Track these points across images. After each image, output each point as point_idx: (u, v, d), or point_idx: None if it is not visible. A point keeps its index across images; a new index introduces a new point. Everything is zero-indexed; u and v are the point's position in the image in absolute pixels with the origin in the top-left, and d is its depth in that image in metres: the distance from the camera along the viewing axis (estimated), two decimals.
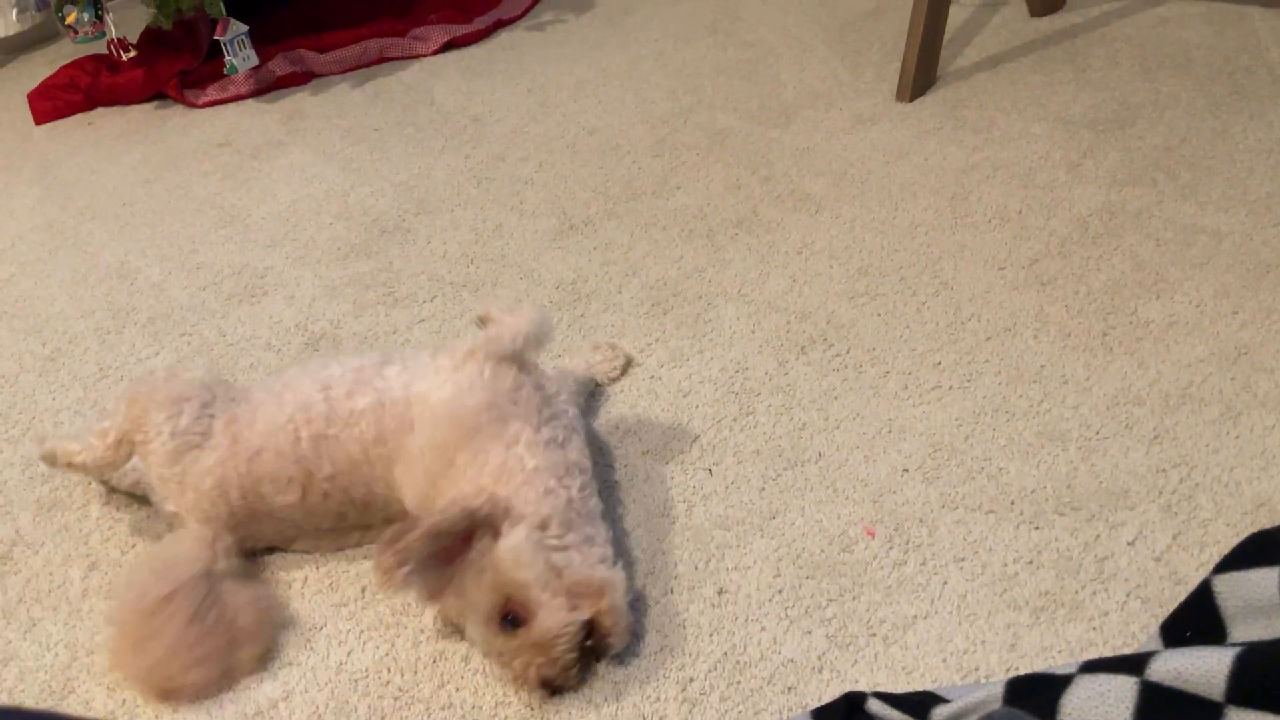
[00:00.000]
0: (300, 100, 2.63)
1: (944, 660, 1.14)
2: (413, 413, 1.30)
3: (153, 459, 1.35)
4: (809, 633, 1.19)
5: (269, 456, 1.32)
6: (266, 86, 2.70)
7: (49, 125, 2.77)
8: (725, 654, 1.18)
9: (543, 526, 1.19)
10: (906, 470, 1.36)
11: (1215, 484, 1.27)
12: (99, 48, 3.03)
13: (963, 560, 1.24)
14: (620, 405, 1.54)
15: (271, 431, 1.32)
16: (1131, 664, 0.93)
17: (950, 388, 1.47)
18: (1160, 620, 1.08)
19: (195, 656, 1.22)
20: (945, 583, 1.21)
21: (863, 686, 1.12)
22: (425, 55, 2.75)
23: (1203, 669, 0.89)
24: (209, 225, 2.16)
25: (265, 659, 1.25)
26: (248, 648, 1.25)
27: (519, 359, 1.32)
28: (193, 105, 2.69)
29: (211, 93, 2.70)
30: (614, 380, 1.58)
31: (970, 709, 0.99)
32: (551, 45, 2.70)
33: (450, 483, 1.25)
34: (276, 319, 1.84)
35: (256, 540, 1.38)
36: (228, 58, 2.62)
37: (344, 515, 1.34)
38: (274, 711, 1.19)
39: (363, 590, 1.32)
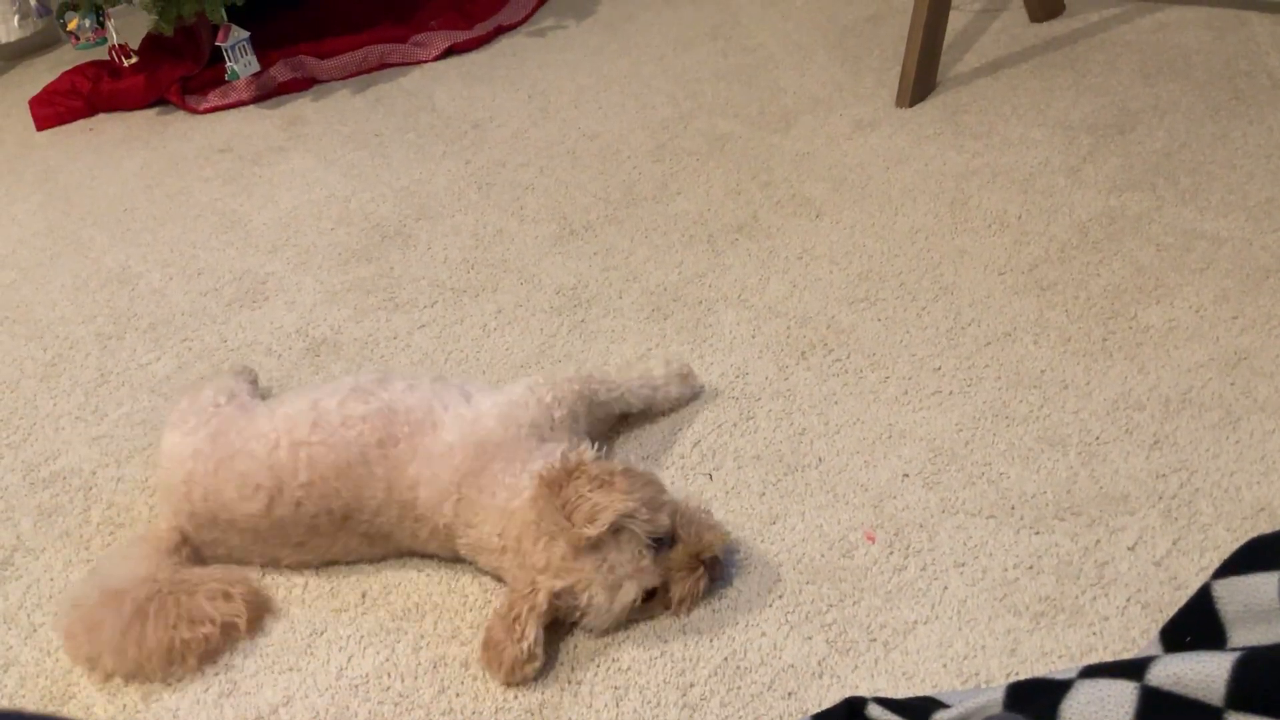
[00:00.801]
0: (301, 106, 2.64)
1: (944, 665, 1.14)
2: (436, 416, 1.31)
3: None
4: (809, 638, 1.19)
5: (240, 461, 1.31)
6: (268, 92, 2.70)
7: (50, 131, 2.77)
8: (725, 659, 1.18)
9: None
10: (907, 475, 1.36)
11: (1215, 489, 1.27)
12: (100, 54, 3.04)
13: (963, 565, 1.24)
14: None
15: (252, 437, 1.32)
16: (1131, 669, 0.93)
17: (950, 393, 1.47)
18: (1160, 625, 1.08)
19: (142, 646, 1.23)
20: (945, 588, 1.21)
21: (863, 692, 1.12)
22: (426, 61, 2.76)
23: (1202, 674, 0.89)
24: (210, 231, 2.16)
25: (211, 656, 1.26)
26: (193, 644, 1.25)
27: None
28: (194, 111, 2.70)
29: (213, 99, 2.71)
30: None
31: (971, 714, 0.99)
32: (552, 51, 2.70)
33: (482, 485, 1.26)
34: (277, 324, 1.84)
35: (218, 550, 1.36)
36: (229, 64, 2.63)
37: (316, 528, 1.31)
38: (274, 717, 1.19)
39: (363, 595, 1.32)
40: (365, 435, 1.29)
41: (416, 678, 1.21)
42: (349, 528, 1.31)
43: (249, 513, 1.30)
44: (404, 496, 1.28)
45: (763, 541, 1.30)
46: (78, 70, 2.92)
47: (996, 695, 0.99)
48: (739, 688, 1.15)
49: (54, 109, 2.80)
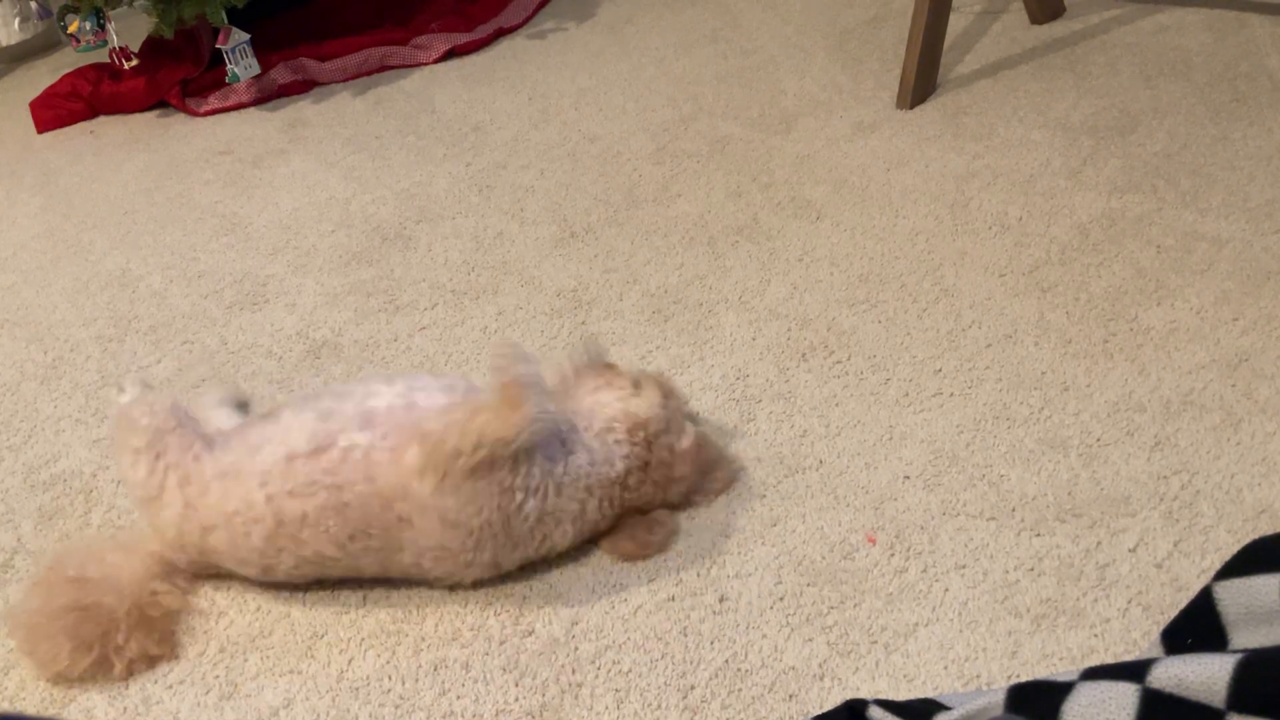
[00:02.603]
0: (302, 108, 2.64)
1: (945, 667, 1.14)
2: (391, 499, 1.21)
3: None
4: (810, 640, 1.18)
5: (222, 535, 1.26)
6: (268, 95, 2.70)
7: (51, 134, 2.77)
8: (726, 661, 1.18)
9: None
10: (907, 477, 1.36)
11: (1216, 490, 1.27)
12: (101, 56, 3.03)
13: (964, 567, 1.23)
14: None
15: (222, 513, 1.25)
16: (1133, 671, 0.93)
17: (951, 395, 1.47)
18: (1161, 627, 1.08)
19: (94, 653, 1.24)
20: (946, 590, 1.21)
21: (864, 694, 1.12)
22: (427, 63, 2.76)
23: (1204, 676, 0.89)
24: (210, 233, 2.16)
25: (160, 658, 1.27)
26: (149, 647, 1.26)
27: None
28: (194, 114, 2.70)
29: (213, 101, 2.71)
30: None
31: (972, 716, 0.99)
32: (552, 53, 2.70)
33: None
34: (278, 327, 1.84)
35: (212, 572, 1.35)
36: (229, 66, 2.63)
37: (328, 569, 1.29)
38: (275, 719, 1.19)
39: (363, 598, 1.32)
40: (334, 531, 1.22)
41: (417, 680, 1.21)
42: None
43: (248, 575, 1.31)
44: (415, 568, 1.27)
45: (763, 543, 1.30)
46: (78, 73, 2.92)
47: (998, 697, 0.99)
48: (740, 690, 1.15)
49: (54, 111, 2.81)
